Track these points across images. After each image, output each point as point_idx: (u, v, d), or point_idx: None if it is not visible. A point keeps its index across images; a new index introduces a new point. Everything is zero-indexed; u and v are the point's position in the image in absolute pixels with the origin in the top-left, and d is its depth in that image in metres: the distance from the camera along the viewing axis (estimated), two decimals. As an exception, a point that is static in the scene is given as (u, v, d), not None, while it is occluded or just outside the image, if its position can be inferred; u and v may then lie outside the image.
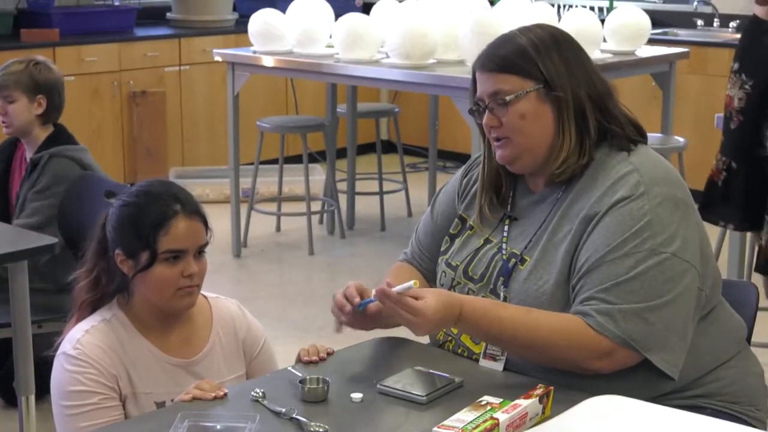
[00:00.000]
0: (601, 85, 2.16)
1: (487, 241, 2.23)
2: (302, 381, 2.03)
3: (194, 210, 2.30)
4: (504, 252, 2.19)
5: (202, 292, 2.38)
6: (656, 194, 2.05)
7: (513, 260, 2.16)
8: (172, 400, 2.22)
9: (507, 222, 2.22)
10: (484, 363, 2.15)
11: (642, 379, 2.05)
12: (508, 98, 2.11)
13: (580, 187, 2.12)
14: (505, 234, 2.21)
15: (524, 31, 2.17)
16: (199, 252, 2.30)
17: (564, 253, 2.09)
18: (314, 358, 2.17)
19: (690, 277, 2.04)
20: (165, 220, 2.25)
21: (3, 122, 3.77)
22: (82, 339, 2.25)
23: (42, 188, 3.67)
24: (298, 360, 2.20)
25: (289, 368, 2.15)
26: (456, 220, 2.31)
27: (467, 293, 2.20)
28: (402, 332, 2.40)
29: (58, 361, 2.26)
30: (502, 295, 2.15)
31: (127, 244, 2.27)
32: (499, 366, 2.14)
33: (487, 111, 2.15)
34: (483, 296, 2.18)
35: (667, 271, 2.02)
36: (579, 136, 2.12)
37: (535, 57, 2.11)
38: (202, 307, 2.39)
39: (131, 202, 2.30)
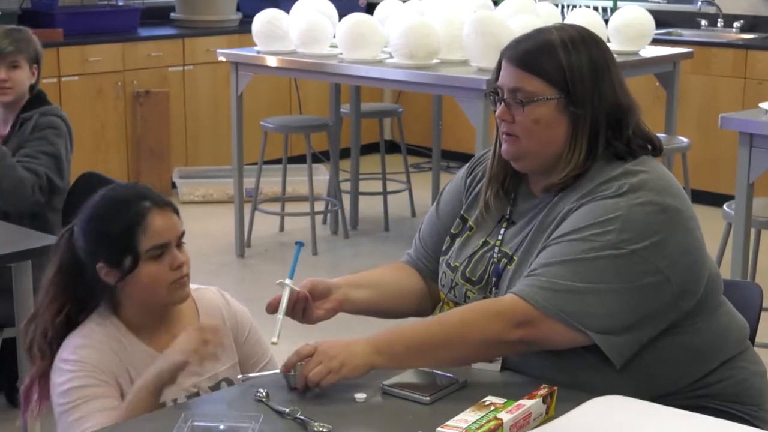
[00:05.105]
0: (624, 98, 2.13)
1: (485, 243, 2.23)
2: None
3: (165, 202, 2.28)
4: (496, 254, 2.19)
5: None
6: (639, 196, 2.02)
7: (504, 260, 2.16)
8: (174, 401, 2.22)
9: (504, 224, 2.22)
10: (479, 365, 2.14)
11: (645, 379, 2.05)
12: (526, 100, 2.08)
13: (570, 189, 2.11)
14: (500, 237, 2.21)
15: (559, 28, 2.13)
16: (179, 244, 2.28)
17: (540, 248, 2.08)
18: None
19: (653, 280, 1.99)
20: (140, 219, 2.22)
21: (4, 87, 3.76)
22: (80, 343, 2.24)
23: (39, 136, 3.72)
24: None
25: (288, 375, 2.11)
26: (457, 219, 2.31)
27: (465, 294, 2.21)
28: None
29: (56, 367, 2.24)
30: (494, 296, 2.15)
31: (108, 253, 2.23)
32: (495, 367, 2.14)
33: (503, 103, 2.13)
34: (483, 297, 2.18)
35: (621, 266, 1.98)
36: (587, 153, 2.10)
37: (564, 60, 2.07)
38: (187, 301, 2.36)
39: (99, 213, 2.26)
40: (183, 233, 2.30)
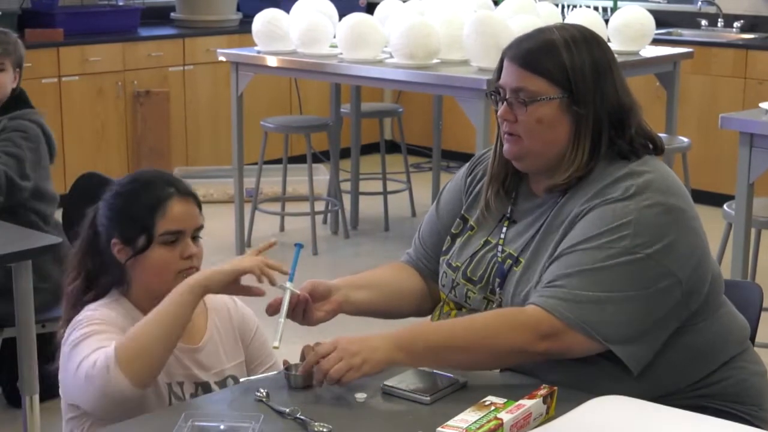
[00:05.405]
0: (626, 98, 2.13)
1: (486, 242, 2.22)
2: (288, 368, 2.04)
3: (188, 192, 2.33)
4: (500, 254, 2.18)
5: None
6: (646, 198, 2.03)
7: (509, 261, 2.16)
8: (179, 384, 2.24)
9: (506, 224, 2.22)
10: None
11: (648, 381, 2.05)
12: (529, 99, 2.08)
13: (575, 190, 2.11)
14: (502, 236, 2.20)
15: (560, 27, 2.13)
16: (195, 237, 2.30)
17: (550, 252, 2.08)
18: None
19: (666, 283, 2.00)
20: (160, 202, 2.26)
21: None
22: (94, 308, 2.25)
23: (5, 138, 3.67)
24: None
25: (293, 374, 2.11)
26: (458, 219, 2.31)
27: (466, 294, 2.21)
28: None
29: (68, 331, 2.22)
30: (497, 296, 2.15)
31: (124, 230, 2.27)
32: None
33: (505, 103, 2.13)
34: (483, 297, 2.18)
35: (637, 271, 1.99)
36: (590, 153, 2.10)
37: (566, 60, 2.07)
38: None
39: (124, 191, 2.31)
40: (201, 227, 2.32)
